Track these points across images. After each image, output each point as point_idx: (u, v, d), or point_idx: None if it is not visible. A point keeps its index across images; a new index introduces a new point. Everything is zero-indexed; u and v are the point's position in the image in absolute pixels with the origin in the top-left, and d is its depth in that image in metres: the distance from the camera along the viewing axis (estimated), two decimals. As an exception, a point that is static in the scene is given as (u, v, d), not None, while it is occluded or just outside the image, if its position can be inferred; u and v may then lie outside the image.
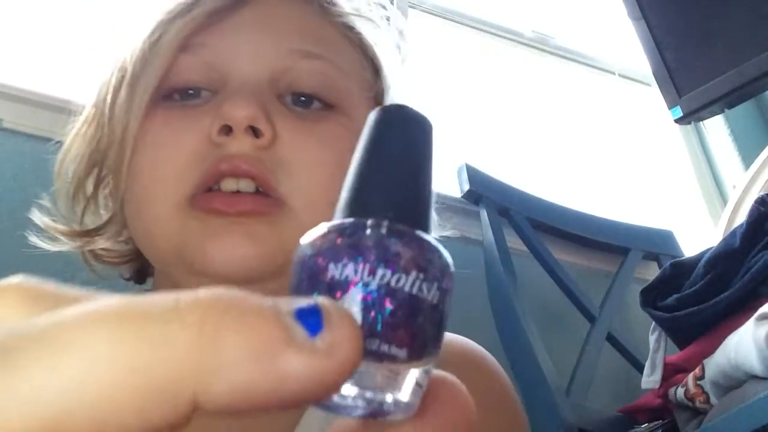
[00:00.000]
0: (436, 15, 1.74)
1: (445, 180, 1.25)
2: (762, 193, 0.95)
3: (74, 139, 0.45)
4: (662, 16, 1.20)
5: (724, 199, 1.67)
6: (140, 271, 0.47)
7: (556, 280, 1.22)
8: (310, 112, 0.38)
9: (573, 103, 1.79)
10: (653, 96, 1.61)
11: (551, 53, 1.86)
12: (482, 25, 1.79)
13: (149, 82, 0.38)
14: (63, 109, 1.13)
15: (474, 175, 1.25)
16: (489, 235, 1.16)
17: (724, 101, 1.11)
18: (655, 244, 1.41)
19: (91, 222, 0.44)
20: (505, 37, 1.81)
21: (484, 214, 1.20)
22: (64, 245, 0.45)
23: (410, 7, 1.67)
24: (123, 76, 0.39)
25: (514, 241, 1.22)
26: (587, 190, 1.59)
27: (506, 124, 1.64)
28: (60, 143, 0.49)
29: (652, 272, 1.28)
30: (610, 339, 1.18)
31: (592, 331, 1.17)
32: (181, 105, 0.38)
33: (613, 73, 1.89)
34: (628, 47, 1.62)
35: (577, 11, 1.96)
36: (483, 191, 1.23)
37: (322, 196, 0.36)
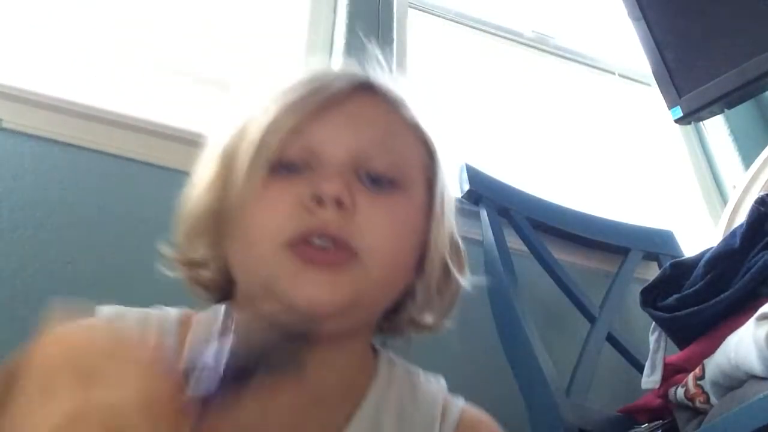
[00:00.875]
0: (436, 15, 1.74)
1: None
2: (762, 193, 0.95)
3: (198, 186, 0.55)
4: (662, 16, 1.20)
5: (724, 199, 1.67)
6: (223, 297, 0.56)
7: (556, 280, 1.22)
8: (381, 189, 0.50)
9: (573, 103, 1.78)
10: (653, 96, 1.61)
11: (551, 53, 1.86)
12: (482, 25, 1.79)
13: (265, 158, 0.49)
14: (62, 110, 1.13)
15: (474, 175, 1.25)
16: (489, 235, 1.16)
17: (724, 101, 1.11)
18: (655, 244, 1.41)
19: (199, 255, 0.54)
20: (505, 37, 1.81)
21: (484, 214, 1.20)
22: (179, 272, 0.55)
23: (410, 7, 1.67)
24: (245, 147, 0.50)
25: (514, 241, 1.22)
26: (587, 190, 1.59)
27: (506, 124, 1.64)
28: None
29: (652, 272, 1.28)
30: (610, 339, 1.18)
31: (592, 331, 1.17)
32: (282, 176, 0.50)
33: (613, 73, 1.89)
34: (628, 47, 1.62)
35: (577, 11, 1.96)
36: (483, 191, 1.23)
37: (389, 255, 0.49)
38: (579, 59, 1.88)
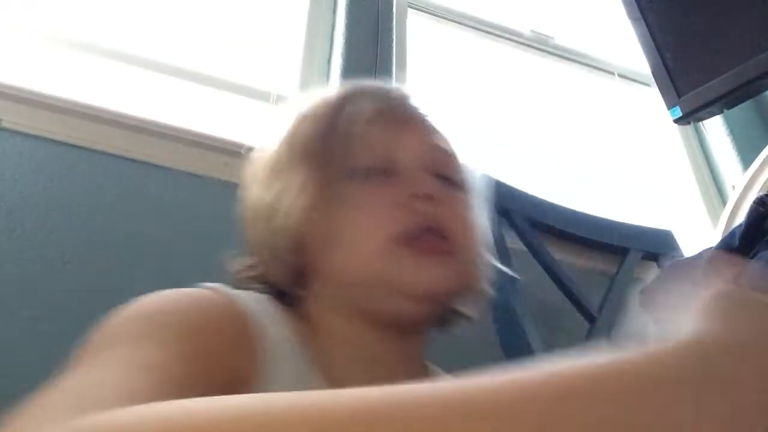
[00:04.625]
0: (436, 15, 1.74)
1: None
2: (761, 193, 0.95)
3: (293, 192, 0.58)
4: (662, 16, 1.20)
5: (723, 199, 1.67)
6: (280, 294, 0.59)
7: (556, 281, 1.22)
8: (448, 187, 0.57)
9: (573, 103, 1.79)
10: (653, 96, 1.62)
11: (551, 53, 1.86)
12: (482, 25, 1.79)
13: (365, 168, 0.55)
14: (62, 109, 1.13)
15: (473, 175, 1.24)
16: (488, 235, 1.16)
17: (724, 101, 1.11)
18: (654, 244, 1.41)
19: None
20: (504, 37, 1.81)
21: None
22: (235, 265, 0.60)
23: (410, 7, 1.67)
24: (338, 155, 0.55)
25: (513, 241, 1.22)
26: (587, 190, 1.59)
27: (505, 124, 1.64)
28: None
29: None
30: (610, 339, 1.18)
31: (592, 331, 1.17)
32: (368, 181, 0.55)
33: (613, 73, 1.89)
34: (628, 47, 1.62)
35: (577, 11, 1.96)
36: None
37: (467, 241, 0.56)
38: (579, 59, 1.88)
